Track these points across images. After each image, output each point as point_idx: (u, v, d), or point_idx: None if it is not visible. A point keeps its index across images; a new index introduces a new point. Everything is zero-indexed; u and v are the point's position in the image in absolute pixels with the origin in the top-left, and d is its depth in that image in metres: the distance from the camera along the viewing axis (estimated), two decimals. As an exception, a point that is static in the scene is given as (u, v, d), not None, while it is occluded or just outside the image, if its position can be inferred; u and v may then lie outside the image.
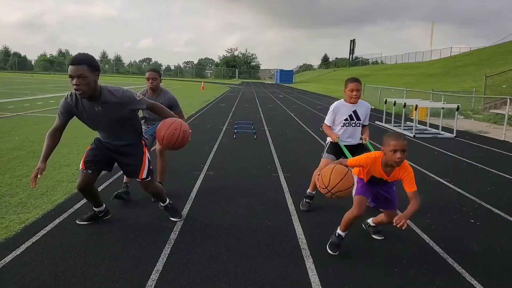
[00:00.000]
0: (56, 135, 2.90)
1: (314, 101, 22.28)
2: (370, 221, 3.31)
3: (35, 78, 38.81)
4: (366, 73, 48.41)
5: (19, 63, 73.97)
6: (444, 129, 10.14)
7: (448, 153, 7.38)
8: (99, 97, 2.79)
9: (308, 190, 3.94)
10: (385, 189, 3.01)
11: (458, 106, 9.38)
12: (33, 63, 79.17)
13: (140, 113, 3.83)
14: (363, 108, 3.78)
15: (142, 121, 4.19)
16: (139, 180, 3.18)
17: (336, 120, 3.78)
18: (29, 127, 8.47)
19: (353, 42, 73.66)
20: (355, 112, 3.73)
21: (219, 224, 3.47)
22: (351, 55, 74.35)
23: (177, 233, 3.23)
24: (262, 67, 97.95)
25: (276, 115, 13.81)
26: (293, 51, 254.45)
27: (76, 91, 2.65)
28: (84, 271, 2.54)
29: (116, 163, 3.24)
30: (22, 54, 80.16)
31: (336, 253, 2.93)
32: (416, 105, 9.53)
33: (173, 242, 3.04)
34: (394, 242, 3.20)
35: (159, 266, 2.66)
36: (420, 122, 11.21)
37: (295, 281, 2.54)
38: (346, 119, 3.74)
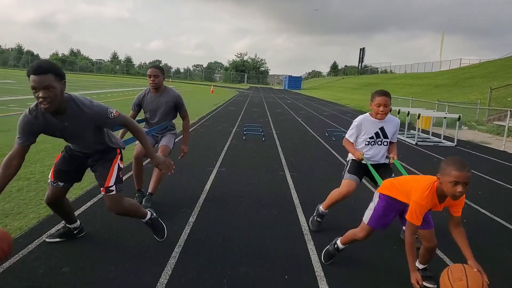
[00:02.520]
0: (13, 164, 2.38)
1: (321, 107, 22.67)
2: (418, 264, 2.76)
3: (49, 77, 39.60)
4: (374, 82, 48.70)
5: (32, 61, 75.33)
6: (447, 138, 10.49)
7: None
8: (64, 111, 2.39)
9: (321, 208, 3.51)
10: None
11: (459, 116, 9.74)
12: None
13: (141, 115, 4.03)
14: (392, 125, 3.34)
15: (143, 123, 4.05)
16: (102, 191, 2.69)
17: (360, 137, 3.36)
18: (50, 123, 8.96)
19: (362, 50, 74.10)
20: (382, 129, 3.30)
21: (231, 212, 3.88)
22: (360, 63, 74.71)
23: (195, 217, 3.65)
24: (271, 73, 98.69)
25: (284, 119, 14.24)
26: (302, 58, 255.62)
27: (42, 105, 2.23)
28: (120, 241, 2.97)
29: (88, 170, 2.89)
30: (35, 53, 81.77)
31: (328, 263, 2.85)
32: (419, 114, 9.89)
33: (192, 224, 3.46)
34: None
35: (181, 242, 3.09)
36: (424, 131, 11.56)
37: (298, 259, 2.94)
38: (371, 137, 3.31)
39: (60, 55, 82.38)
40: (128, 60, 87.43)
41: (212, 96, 26.10)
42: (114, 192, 2.68)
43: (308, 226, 3.58)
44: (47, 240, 2.90)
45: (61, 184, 2.75)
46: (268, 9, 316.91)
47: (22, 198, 3.82)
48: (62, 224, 3.09)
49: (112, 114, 2.52)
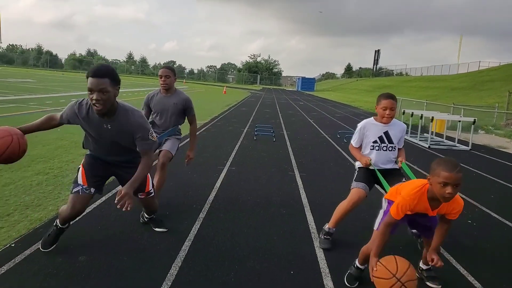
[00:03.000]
0: (51, 123, 2.69)
1: (334, 109, 22.63)
2: (422, 265, 2.83)
3: (66, 76, 40.57)
4: (389, 84, 48.31)
5: (51, 61, 77.02)
6: (461, 142, 10.39)
7: (460, 164, 7.69)
8: (113, 114, 2.52)
9: (328, 226, 3.33)
10: (424, 219, 2.49)
11: (474, 120, 9.65)
12: (63, 61, 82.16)
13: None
14: (397, 129, 3.22)
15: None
16: (142, 196, 2.88)
17: (364, 142, 3.27)
18: (68, 121, 9.21)
19: (377, 52, 73.53)
20: (386, 133, 3.18)
21: (240, 209, 3.98)
22: (375, 66, 74.18)
23: (204, 213, 3.76)
24: (284, 74, 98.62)
25: (296, 121, 14.29)
26: (316, 59, 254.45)
27: (94, 107, 2.40)
28: (133, 234, 3.11)
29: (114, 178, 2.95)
30: (54, 53, 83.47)
31: (355, 285, 2.65)
32: (432, 117, 9.83)
33: (201, 220, 3.57)
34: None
35: (191, 236, 3.20)
36: (438, 135, 11.48)
37: (304, 256, 3.02)
38: (375, 141, 3.20)
39: (78, 55, 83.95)
40: (143, 61, 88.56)
41: (224, 97, 26.28)
42: (153, 194, 2.98)
43: (319, 237, 3.36)
44: (42, 250, 2.73)
45: (93, 190, 2.71)
46: (282, 11, 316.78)
47: (41, 192, 3.99)
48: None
49: (151, 136, 2.62)
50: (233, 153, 6.98)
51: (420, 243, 3.18)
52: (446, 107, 16.46)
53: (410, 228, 2.70)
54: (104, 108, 2.39)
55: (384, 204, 2.64)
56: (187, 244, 3.05)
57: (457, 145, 10.01)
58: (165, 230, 3.21)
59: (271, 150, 7.68)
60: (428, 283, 2.73)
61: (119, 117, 2.52)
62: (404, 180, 3.04)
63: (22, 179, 4.29)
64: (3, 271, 2.45)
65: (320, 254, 3.06)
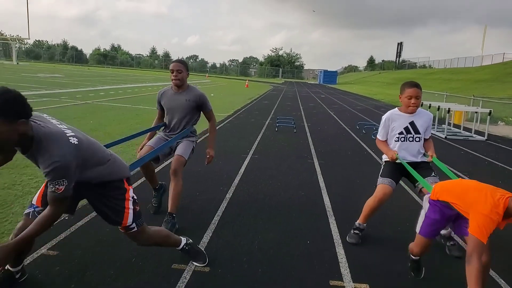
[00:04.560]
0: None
1: (355, 102, 22.68)
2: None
3: (91, 71, 41.84)
4: (411, 77, 47.49)
5: (76, 56, 79.26)
6: (479, 133, 10.45)
7: (474, 153, 7.85)
8: (28, 150, 1.89)
9: (358, 222, 3.25)
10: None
11: (490, 111, 9.71)
12: (87, 56, 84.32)
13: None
14: (423, 119, 3.13)
15: (162, 129, 3.64)
16: (121, 229, 2.25)
17: (389, 134, 3.17)
18: (99, 114, 9.82)
19: (400, 45, 72.19)
20: (412, 123, 3.10)
21: (262, 191, 4.37)
22: (397, 58, 72.92)
23: (230, 194, 4.18)
24: (306, 67, 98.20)
25: (317, 113, 14.55)
26: (338, 52, 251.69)
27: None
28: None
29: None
30: (79, 48, 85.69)
31: (422, 276, 2.64)
32: (449, 108, 9.94)
33: (228, 200, 3.99)
34: (403, 213, 3.94)
35: (219, 212, 3.63)
36: (456, 126, 11.54)
37: (319, 229, 3.39)
38: (400, 132, 3.10)
39: (102, 50, 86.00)
40: (166, 55, 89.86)
41: (247, 91, 26.68)
42: (135, 229, 2.25)
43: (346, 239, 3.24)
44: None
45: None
46: (304, 3, 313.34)
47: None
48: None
49: (57, 187, 1.85)
50: (256, 143, 7.36)
51: (448, 246, 3.08)
52: (467, 99, 16.33)
53: (456, 231, 2.48)
54: (2, 152, 1.94)
55: (426, 205, 2.47)
56: (216, 219, 3.47)
57: (474, 135, 10.09)
58: (203, 264, 2.62)
59: (292, 140, 8.03)
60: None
61: (35, 150, 1.85)
62: (434, 174, 3.01)
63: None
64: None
65: (333, 228, 3.42)
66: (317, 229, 3.39)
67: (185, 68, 3.37)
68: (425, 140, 3.17)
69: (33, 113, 1.87)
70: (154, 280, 2.30)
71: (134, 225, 2.23)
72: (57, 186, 1.83)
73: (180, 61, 3.43)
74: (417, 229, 2.47)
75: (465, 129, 11.11)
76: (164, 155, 3.46)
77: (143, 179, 4.14)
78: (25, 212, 2.15)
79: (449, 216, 2.33)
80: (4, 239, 2.80)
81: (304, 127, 10.15)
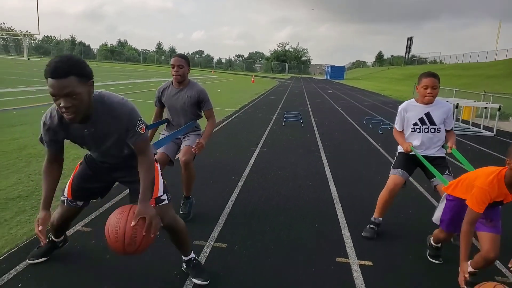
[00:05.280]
0: (53, 168, 2.15)
1: (362, 97, 22.79)
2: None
3: (100, 66, 42.28)
4: (421, 73, 47.27)
5: (84, 51, 79.95)
6: (488, 129, 10.59)
7: (481, 147, 8.02)
8: (91, 115, 1.93)
9: (374, 217, 3.26)
10: (490, 210, 2.31)
11: (499, 106, 9.83)
12: (95, 52, 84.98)
13: (164, 114, 3.57)
14: (441, 110, 3.06)
15: (164, 125, 3.58)
16: (151, 203, 2.07)
17: (405, 124, 3.16)
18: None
19: (410, 40, 71.71)
20: (428, 114, 3.05)
21: (271, 180, 4.62)
22: (407, 53, 72.49)
23: (242, 182, 4.44)
24: (313, 62, 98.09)
25: (323, 108, 14.74)
26: (346, 47, 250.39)
27: (64, 115, 1.80)
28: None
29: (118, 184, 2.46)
30: (86, 43, 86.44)
31: (440, 260, 2.81)
32: (457, 104, 10.07)
33: (240, 188, 4.25)
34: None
35: (233, 198, 3.89)
36: (465, 122, 11.67)
37: (326, 214, 3.64)
38: (415, 123, 3.08)
39: (109, 46, 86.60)
40: (172, 51, 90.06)
41: (253, 86, 26.89)
42: (166, 202, 2.21)
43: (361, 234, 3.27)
44: (29, 261, 2.46)
45: (80, 203, 2.32)
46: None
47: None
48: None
49: (139, 127, 1.98)
50: (264, 137, 7.60)
51: (454, 236, 2.96)
52: (477, 95, 16.39)
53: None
54: (78, 116, 1.83)
55: (443, 200, 2.54)
56: (229, 204, 3.73)
57: (482, 131, 10.23)
58: (206, 282, 2.34)
59: (299, 134, 8.26)
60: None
61: (100, 114, 1.94)
62: (448, 172, 3.00)
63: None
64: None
65: (340, 213, 3.66)
66: (324, 214, 3.63)
67: (186, 63, 3.27)
68: (446, 131, 3.13)
69: None
70: (177, 253, 2.56)
71: (165, 196, 2.20)
72: (140, 126, 1.99)
73: (181, 56, 3.32)
74: (434, 219, 2.63)
75: (474, 125, 11.24)
76: (173, 154, 3.36)
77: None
78: (61, 199, 2.35)
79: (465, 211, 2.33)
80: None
81: (311, 122, 10.36)
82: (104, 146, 2.07)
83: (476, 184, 2.19)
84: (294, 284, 2.43)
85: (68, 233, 2.85)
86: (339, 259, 2.78)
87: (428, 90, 2.98)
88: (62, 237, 2.56)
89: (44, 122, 2.01)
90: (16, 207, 3.34)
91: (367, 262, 2.76)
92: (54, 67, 1.70)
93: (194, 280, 2.34)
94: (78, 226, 3.01)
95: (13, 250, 2.61)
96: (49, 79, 1.72)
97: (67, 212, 2.35)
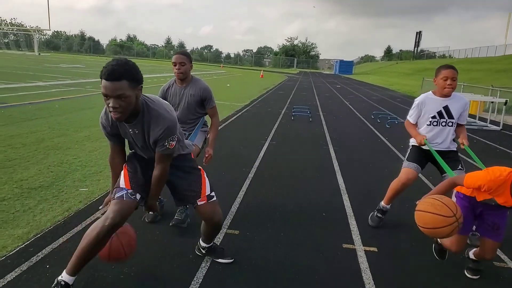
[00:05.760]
0: (115, 157, 2.33)
1: (371, 92, 22.77)
2: (471, 253, 2.65)
3: (111, 62, 42.68)
4: (430, 67, 46.78)
5: (93, 46, 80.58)
6: (494, 123, 10.59)
7: (486, 141, 8.07)
8: (137, 116, 2.08)
9: (382, 204, 3.29)
10: (494, 212, 2.34)
11: (506, 100, 9.84)
12: (104, 47, 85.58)
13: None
14: (458, 104, 3.03)
15: None
16: (202, 201, 2.33)
17: (421, 118, 3.11)
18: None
19: (419, 34, 71.03)
20: (446, 108, 3.01)
21: (281, 172, 4.77)
22: (416, 48, 71.85)
23: (253, 174, 4.60)
24: (321, 57, 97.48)
25: (332, 103, 14.82)
26: (355, 41, 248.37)
27: (112, 114, 1.96)
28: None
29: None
30: (96, 38, 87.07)
31: (445, 258, 2.75)
32: (465, 98, 10.08)
33: (251, 178, 4.41)
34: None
35: (244, 187, 4.06)
36: (473, 116, 11.67)
37: (334, 204, 3.78)
38: (433, 117, 3.03)
39: (118, 41, 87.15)
40: (181, 46, 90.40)
41: (262, 81, 26.99)
42: (215, 199, 2.39)
43: (372, 213, 3.39)
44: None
45: (138, 197, 2.23)
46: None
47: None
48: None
49: (169, 143, 2.12)
50: (273, 130, 7.74)
51: (469, 236, 2.89)
52: (485, 90, 16.30)
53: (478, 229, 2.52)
54: (124, 116, 1.97)
55: (453, 199, 2.45)
56: (241, 193, 3.89)
57: (489, 125, 10.26)
58: (231, 260, 2.59)
59: (308, 128, 8.38)
60: (465, 272, 2.63)
61: (144, 119, 2.08)
62: (460, 167, 2.99)
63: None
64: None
65: (347, 203, 3.80)
66: (331, 204, 3.78)
67: (188, 60, 3.20)
68: (458, 125, 3.11)
69: None
70: (193, 240, 2.71)
71: (213, 193, 2.38)
72: (170, 142, 2.12)
73: (182, 53, 3.23)
74: None
75: (481, 119, 11.24)
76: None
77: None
78: (117, 195, 2.16)
79: (475, 210, 2.35)
80: (64, 206, 3.32)
81: (320, 116, 10.46)
82: (144, 145, 2.20)
83: (487, 172, 2.16)
84: (303, 267, 2.58)
85: (89, 221, 3.04)
86: (345, 245, 2.93)
87: (448, 82, 2.92)
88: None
89: (100, 119, 2.20)
90: (38, 196, 3.53)
91: (372, 248, 2.90)
92: (110, 70, 1.86)
93: (220, 260, 2.57)
94: (98, 214, 3.19)
95: (38, 235, 2.79)
96: (104, 80, 1.88)
97: (128, 207, 2.15)
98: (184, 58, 3.17)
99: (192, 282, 2.34)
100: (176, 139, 2.15)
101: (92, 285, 2.26)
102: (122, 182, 2.24)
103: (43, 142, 5.42)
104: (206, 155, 3.20)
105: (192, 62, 3.29)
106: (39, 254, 2.54)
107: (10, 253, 2.52)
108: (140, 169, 2.30)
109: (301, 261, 2.66)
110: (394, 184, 3.15)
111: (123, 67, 1.89)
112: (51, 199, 3.49)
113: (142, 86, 2.01)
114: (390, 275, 2.55)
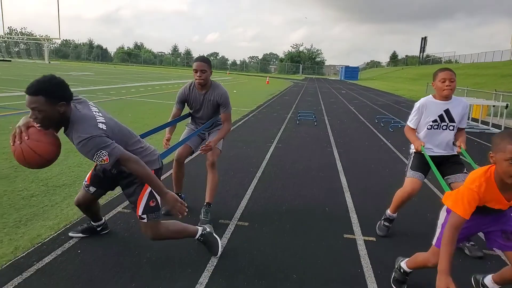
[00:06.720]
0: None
1: (376, 97, 22.99)
2: (488, 281, 2.25)
3: (118, 69, 43.47)
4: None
5: (101, 54, 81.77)
6: (496, 126, 10.78)
7: (487, 144, 8.27)
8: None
9: (388, 212, 3.24)
10: (499, 219, 2.06)
11: (507, 104, 10.05)
12: (112, 55, 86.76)
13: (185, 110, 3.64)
14: (459, 107, 2.99)
15: (190, 122, 3.68)
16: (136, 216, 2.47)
17: (422, 121, 3.04)
18: (135, 108, 10.70)
19: (424, 39, 71.14)
20: (447, 111, 2.96)
21: (287, 172, 5.05)
22: (421, 53, 71.95)
23: (260, 173, 4.88)
24: (327, 63, 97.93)
25: (337, 108, 15.08)
26: (360, 47, 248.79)
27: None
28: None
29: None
30: (104, 47, 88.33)
31: None
32: (467, 102, 10.31)
33: (258, 177, 4.70)
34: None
35: (252, 185, 4.35)
36: (475, 120, 11.87)
37: (336, 201, 4.04)
38: (434, 120, 2.98)
39: (126, 49, 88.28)
40: (188, 53, 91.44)
41: (268, 87, 27.33)
42: (145, 221, 2.43)
43: (379, 222, 3.33)
44: (70, 234, 2.90)
45: (92, 190, 2.67)
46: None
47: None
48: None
49: (100, 159, 2.13)
50: (279, 134, 8.03)
51: (468, 247, 2.94)
52: (488, 94, 16.45)
53: (488, 244, 2.18)
54: (44, 127, 2.19)
55: (442, 215, 2.16)
56: (249, 191, 4.17)
57: (490, 128, 10.48)
58: (215, 256, 2.70)
59: (313, 132, 8.66)
60: None
61: (70, 133, 2.22)
62: (465, 171, 2.90)
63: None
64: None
65: (349, 200, 4.06)
66: (334, 200, 4.04)
67: (208, 67, 3.28)
68: (458, 129, 3.05)
69: (80, 98, 2.33)
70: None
71: (145, 216, 2.42)
72: (102, 158, 2.13)
73: (203, 60, 3.29)
74: (434, 242, 2.16)
75: (483, 123, 11.44)
76: (196, 146, 3.54)
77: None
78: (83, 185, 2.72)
79: (465, 224, 1.90)
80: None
81: (324, 121, 10.73)
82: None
83: (464, 184, 1.91)
84: (307, 255, 2.84)
85: (111, 214, 3.34)
86: (346, 236, 3.19)
87: (446, 83, 2.88)
88: (100, 222, 2.95)
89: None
90: (63, 193, 3.84)
91: (371, 238, 3.16)
92: (30, 85, 2.07)
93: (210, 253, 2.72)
94: (119, 208, 3.48)
95: (68, 226, 3.09)
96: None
97: (84, 197, 2.73)
98: (205, 65, 3.25)
99: (208, 264, 2.61)
100: (105, 154, 2.13)
101: (117, 267, 2.55)
102: (87, 176, 2.74)
103: (62, 145, 5.73)
104: (204, 147, 3.26)
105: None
106: (70, 241, 2.83)
107: (45, 240, 2.82)
108: (102, 173, 2.62)
109: (305, 248, 2.92)
110: (400, 194, 3.08)
111: (43, 84, 2.08)
112: (75, 196, 3.71)
113: (65, 103, 2.13)
114: (386, 260, 2.80)
